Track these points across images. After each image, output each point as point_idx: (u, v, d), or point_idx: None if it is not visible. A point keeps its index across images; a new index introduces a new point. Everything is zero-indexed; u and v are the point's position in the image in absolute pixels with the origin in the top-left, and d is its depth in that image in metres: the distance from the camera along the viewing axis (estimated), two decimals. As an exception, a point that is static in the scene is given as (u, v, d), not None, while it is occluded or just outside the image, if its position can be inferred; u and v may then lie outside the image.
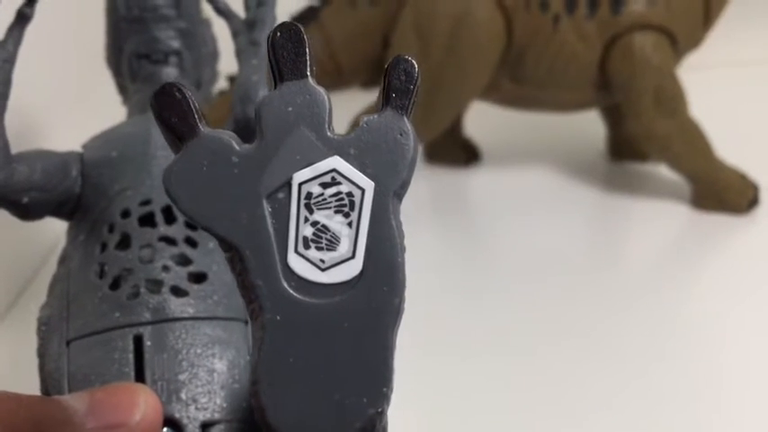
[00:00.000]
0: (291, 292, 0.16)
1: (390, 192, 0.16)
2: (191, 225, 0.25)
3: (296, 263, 0.16)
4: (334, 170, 0.16)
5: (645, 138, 0.47)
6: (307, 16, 0.50)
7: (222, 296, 0.24)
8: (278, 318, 0.15)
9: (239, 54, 0.29)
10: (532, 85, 0.48)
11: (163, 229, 0.25)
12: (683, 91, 0.46)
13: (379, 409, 0.15)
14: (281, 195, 0.16)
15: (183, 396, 0.21)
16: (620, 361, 0.35)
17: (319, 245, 0.16)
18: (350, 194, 0.16)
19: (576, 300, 0.39)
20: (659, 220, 0.47)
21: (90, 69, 0.40)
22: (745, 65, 0.56)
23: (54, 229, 0.28)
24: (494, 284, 0.41)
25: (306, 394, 0.15)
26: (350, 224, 0.16)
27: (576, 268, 0.42)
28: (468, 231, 0.48)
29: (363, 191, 0.16)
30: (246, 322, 0.24)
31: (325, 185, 0.16)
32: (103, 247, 0.25)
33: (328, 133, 0.16)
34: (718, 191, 0.46)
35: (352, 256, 0.16)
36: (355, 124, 0.16)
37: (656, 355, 0.35)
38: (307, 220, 0.16)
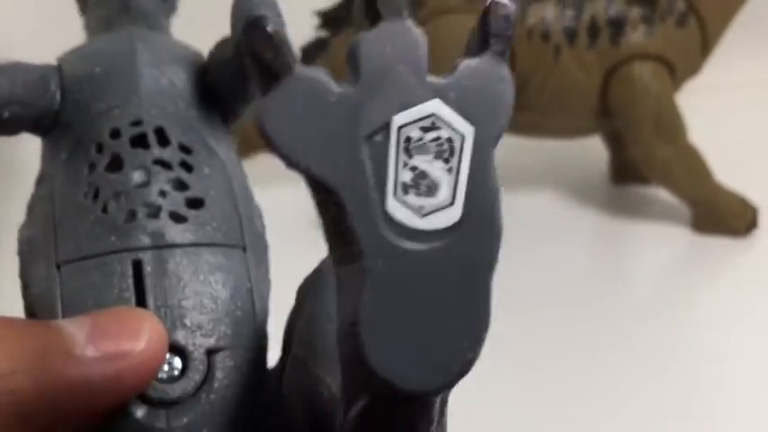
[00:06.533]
0: (391, 236, 0.15)
1: (491, 138, 0.16)
2: (185, 149, 0.23)
3: (395, 208, 0.15)
4: (434, 114, 0.15)
5: (645, 163, 0.48)
6: (317, 47, 0.51)
7: (221, 222, 0.23)
8: (379, 262, 0.15)
9: None
10: (536, 112, 0.49)
11: (157, 151, 0.23)
12: (682, 118, 0.48)
13: (477, 354, 0.15)
14: (379, 138, 0.15)
15: (188, 323, 0.20)
16: (622, 384, 0.35)
17: (418, 191, 0.15)
18: (450, 140, 0.15)
19: (577, 322, 0.39)
20: (660, 242, 0.48)
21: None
22: (743, 86, 0.58)
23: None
24: (494, 308, 0.40)
25: (406, 338, 0.15)
26: (449, 170, 0.15)
27: (578, 291, 0.42)
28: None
29: (463, 137, 0.15)
30: (245, 249, 0.23)
31: (425, 129, 0.15)
32: (92, 167, 0.23)
33: (427, 76, 0.16)
34: (717, 214, 0.47)
35: (452, 203, 0.15)
36: (453, 67, 0.16)
37: (658, 378, 0.35)
38: (406, 164, 0.15)
